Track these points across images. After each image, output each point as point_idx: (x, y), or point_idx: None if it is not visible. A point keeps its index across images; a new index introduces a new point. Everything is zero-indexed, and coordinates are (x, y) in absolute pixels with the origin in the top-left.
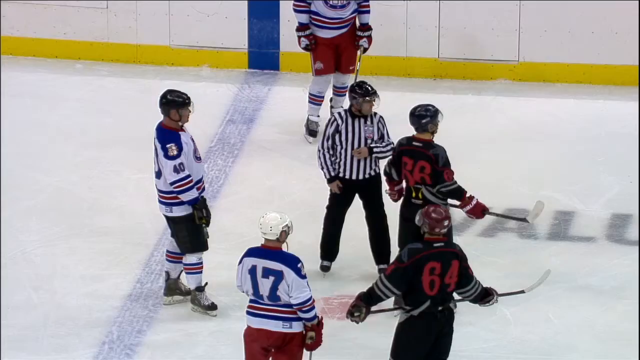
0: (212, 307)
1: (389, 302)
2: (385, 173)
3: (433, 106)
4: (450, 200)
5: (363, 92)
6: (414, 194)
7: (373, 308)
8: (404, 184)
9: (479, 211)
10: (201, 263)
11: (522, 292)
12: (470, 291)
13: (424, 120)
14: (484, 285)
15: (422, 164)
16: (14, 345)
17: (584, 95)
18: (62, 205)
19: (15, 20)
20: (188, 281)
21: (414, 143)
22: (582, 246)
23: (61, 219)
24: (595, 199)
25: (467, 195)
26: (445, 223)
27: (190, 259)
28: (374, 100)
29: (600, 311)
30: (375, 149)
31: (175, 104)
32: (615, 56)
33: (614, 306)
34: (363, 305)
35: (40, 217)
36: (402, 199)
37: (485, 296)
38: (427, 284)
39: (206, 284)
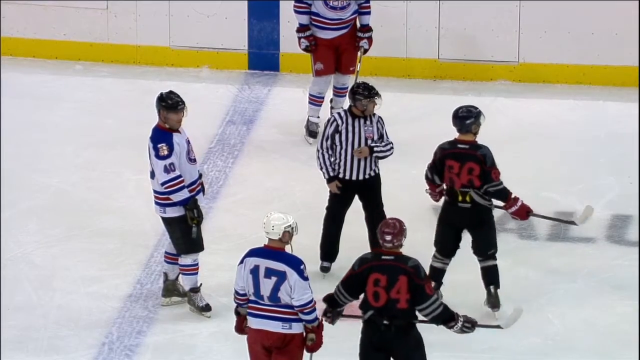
0: (207, 308)
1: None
2: (427, 178)
3: (475, 107)
4: (495, 202)
5: (368, 93)
6: (460, 198)
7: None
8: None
9: (524, 213)
10: (196, 264)
11: (499, 327)
12: (426, 310)
13: (468, 121)
14: (455, 312)
15: (471, 165)
16: (14, 346)
17: (583, 96)
18: (62, 206)
19: (15, 21)
20: (183, 282)
21: (459, 145)
22: (582, 247)
23: (61, 219)
24: (595, 200)
25: (512, 196)
26: (388, 238)
27: (185, 260)
28: (377, 102)
29: (600, 311)
30: (375, 149)
31: (164, 106)
32: (615, 57)
33: (614, 307)
34: (329, 307)
35: (40, 218)
36: (443, 202)
37: (448, 320)
38: (370, 294)
39: (201, 285)
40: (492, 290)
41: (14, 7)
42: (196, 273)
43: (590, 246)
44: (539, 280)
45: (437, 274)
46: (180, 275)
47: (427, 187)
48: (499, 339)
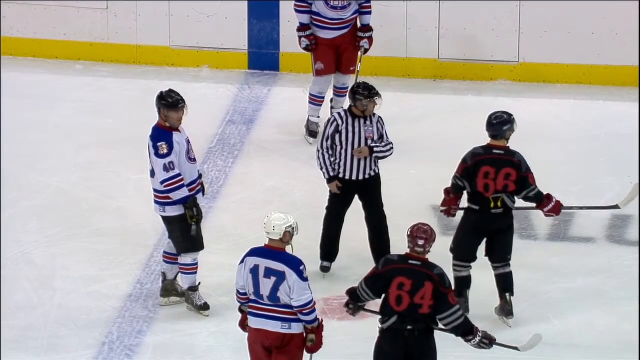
0: (205, 306)
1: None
2: (454, 187)
3: (509, 113)
4: (523, 203)
5: (368, 93)
6: (492, 204)
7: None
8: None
9: (558, 208)
10: (196, 264)
11: (517, 348)
12: (448, 319)
13: (505, 127)
14: (475, 325)
15: (507, 170)
16: (14, 345)
17: (583, 95)
18: (61, 205)
19: (15, 21)
20: (182, 281)
21: (494, 151)
22: (582, 246)
23: (61, 219)
24: (594, 199)
25: (546, 194)
26: (421, 242)
27: (185, 259)
28: (377, 102)
29: (600, 311)
30: (375, 149)
31: (164, 105)
32: (614, 57)
33: (613, 306)
34: (350, 301)
35: (40, 218)
36: (467, 211)
37: (467, 332)
38: (393, 298)
39: (199, 283)
40: (508, 297)
41: (14, 7)
42: (195, 272)
43: (590, 246)
44: (539, 280)
45: (466, 282)
46: (179, 274)
47: (443, 205)
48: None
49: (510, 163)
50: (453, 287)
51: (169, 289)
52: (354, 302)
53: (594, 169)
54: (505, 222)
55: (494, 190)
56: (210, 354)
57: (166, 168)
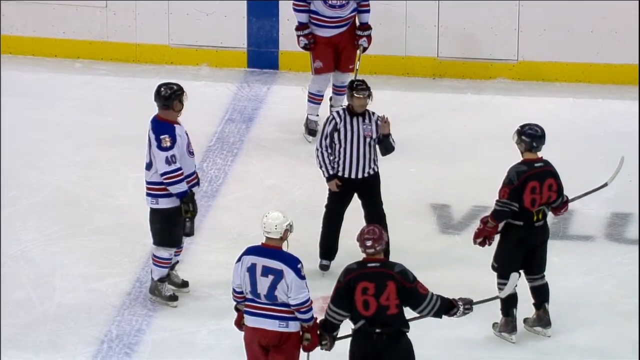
0: (173, 297)
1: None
2: (501, 214)
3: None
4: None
5: (354, 87)
6: (535, 218)
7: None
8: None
9: (567, 205)
10: (170, 258)
11: (498, 297)
12: (427, 309)
13: (544, 139)
14: (452, 298)
15: (550, 182)
16: (14, 344)
17: (583, 94)
18: (61, 204)
19: (15, 19)
20: (152, 272)
21: (536, 165)
22: (582, 245)
23: (60, 217)
24: (594, 198)
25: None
26: (369, 243)
27: (161, 253)
28: (366, 96)
29: (600, 310)
30: (391, 136)
31: (179, 94)
32: (614, 55)
33: (613, 305)
34: (325, 333)
35: (39, 216)
36: (509, 228)
37: (449, 309)
38: (360, 304)
39: (168, 275)
40: (547, 307)
41: (13, 6)
42: (168, 266)
43: (589, 244)
44: None
45: (514, 301)
46: (151, 264)
47: (479, 237)
48: (497, 339)
49: (551, 174)
50: (500, 307)
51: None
52: (329, 333)
53: (593, 167)
54: (547, 234)
55: (539, 204)
56: (210, 353)
57: (168, 161)
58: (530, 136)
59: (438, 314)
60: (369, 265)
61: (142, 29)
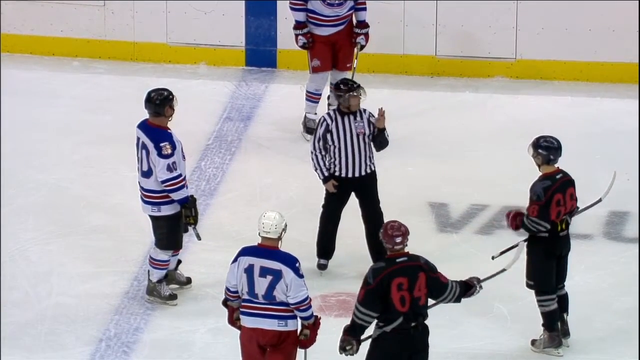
0: (172, 297)
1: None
2: (530, 232)
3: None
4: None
5: (348, 88)
6: (559, 228)
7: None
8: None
9: None
10: (169, 261)
11: (504, 270)
12: (449, 296)
13: (561, 151)
14: (464, 279)
15: (571, 191)
16: (11, 343)
17: (581, 92)
18: (59, 202)
19: (13, 18)
20: (150, 274)
21: (557, 177)
22: (580, 244)
23: (58, 216)
24: (592, 197)
25: None
26: (398, 240)
27: (161, 255)
28: (361, 95)
29: (599, 309)
30: (385, 131)
31: (171, 99)
32: (612, 54)
33: (612, 304)
34: (351, 338)
35: (37, 215)
36: (538, 239)
37: (467, 290)
38: (397, 301)
39: (166, 275)
40: (565, 317)
41: (11, 4)
42: (166, 268)
43: (587, 243)
44: None
45: (556, 316)
46: (149, 266)
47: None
48: (498, 338)
49: (570, 183)
50: (542, 321)
51: (170, 278)
52: (355, 337)
53: (591, 166)
54: (569, 244)
55: (564, 214)
56: (208, 351)
57: (170, 168)
58: (547, 149)
59: (458, 299)
60: (398, 260)
61: (140, 27)
